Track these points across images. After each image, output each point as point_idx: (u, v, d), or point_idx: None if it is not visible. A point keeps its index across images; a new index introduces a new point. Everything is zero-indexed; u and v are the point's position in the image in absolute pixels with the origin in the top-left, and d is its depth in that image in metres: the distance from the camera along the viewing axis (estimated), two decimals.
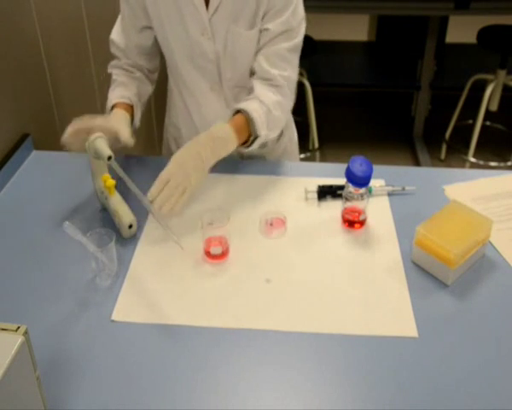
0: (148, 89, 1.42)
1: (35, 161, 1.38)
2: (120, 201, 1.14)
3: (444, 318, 0.97)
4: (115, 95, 1.32)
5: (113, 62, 1.40)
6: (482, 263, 1.08)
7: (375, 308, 0.98)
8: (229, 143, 1.17)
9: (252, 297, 1.01)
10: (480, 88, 2.95)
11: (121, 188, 1.13)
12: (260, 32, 1.25)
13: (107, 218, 1.17)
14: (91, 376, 0.87)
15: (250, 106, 1.21)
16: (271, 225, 1.15)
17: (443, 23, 3.38)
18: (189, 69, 1.32)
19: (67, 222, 0.99)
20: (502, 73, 2.90)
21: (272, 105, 1.23)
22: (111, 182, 1.13)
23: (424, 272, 1.05)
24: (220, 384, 0.86)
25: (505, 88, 2.95)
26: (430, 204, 1.18)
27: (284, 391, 0.85)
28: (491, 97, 2.94)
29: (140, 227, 1.15)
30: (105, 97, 1.58)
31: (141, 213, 1.15)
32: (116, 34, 1.37)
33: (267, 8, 1.22)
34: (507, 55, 2.83)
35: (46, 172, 1.34)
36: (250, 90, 1.28)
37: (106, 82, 1.77)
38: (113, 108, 1.29)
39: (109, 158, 1.07)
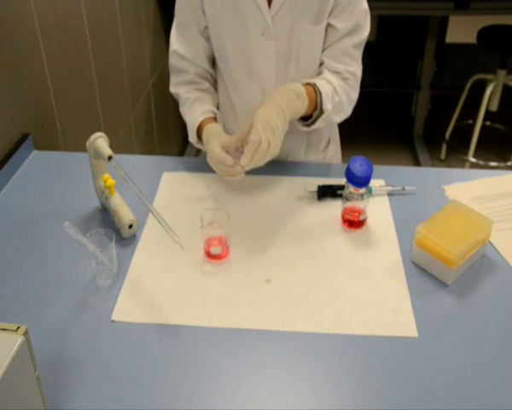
0: (216, 99, 1.38)
1: (35, 161, 1.38)
2: (120, 201, 1.14)
3: (444, 318, 0.97)
4: (198, 112, 1.27)
5: (176, 79, 1.34)
6: (482, 263, 1.08)
7: (375, 308, 0.98)
8: (300, 97, 1.16)
9: (252, 297, 1.01)
10: (480, 88, 2.95)
11: (121, 188, 1.13)
12: (326, 29, 1.24)
13: (107, 218, 1.18)
14: (91, 376, 0.87)
15: (318, 81, 1.23)
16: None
17: (443, 23, 3.38)
18: (242, 72, 1.29)
19: (67, 222, 0.99)
20: (502, 73, 2.90)
21: (338, 86, 1.26)
22: (111, 182, 1.13)
23: (424, 272, 1.05)
24: (220, 384, 0.86)
25: (505, 88, 2.95)
26: (430, 204, 1.18)
27: (284, 391, 0.85)
28: (491, 97, 2.94)
29: (140, 227, 1.15)
30: (104, 97, 1.58)
31: (141, 213, 1.15)
32: (179, 45, 1.30)
33: (334, 4, 1.21)
34: (507, 55, 2.83)
35: (46, 172, 1.34)
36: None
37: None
38: (200, 126, 1.25)
39: (109, 158, 1.07)
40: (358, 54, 1.29)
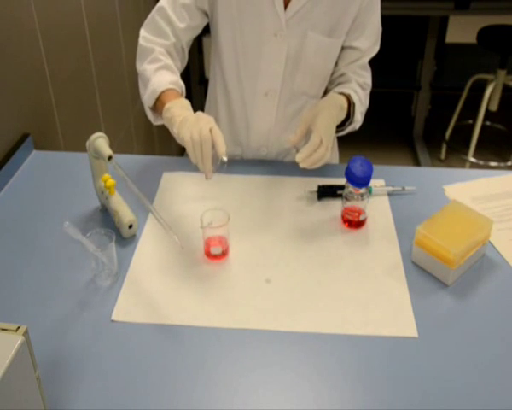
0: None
1: (35, 161, 1.38)
2: (120, 201, 1.14)
3: (444, 318, 0.97)
4: (168, 78, 1.19)
5: (153, 37, 1.25)
6: (482, 263, 1.08)
7: (375, 308, 0.98)
8: (343, 111, 1.24)
9: (252, 297, 1.01)
10: (480, 88, 2.95)
11: (121, 188, 1.13)
12: (348, 50, 1.31)
13: (107, 218, 1.18)
14: (91, 376, 0.87)
15: (352, 92, 1.28)
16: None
17: (443, 23, 3.38)
18: (249, 70, 1.29)
19: (67, 222, 0.99)
20: (502, 73, 2.90)
21: (362, 96, 1.32)
22: (111, 182, 1.13)
23: (424, 272, 1.05)
24: (220, 384, 0.86)
25: (505, 88, 2.95)
26: (430, 204, 1.18)
27: (284, 391, 0.85)
28: (491, 97, 2.94)
29: (140, 227, 1.15)
30: (105, 97, 1.58)
31: (141, 213, 1.15)
32: (171, 8, 1.23)
33: (354, 25, 1.26)
34: (507, 55, 2.83)
35: (46, 172, 1.34)
36: (339, 78, 1.36)
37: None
38: (166, 92, 1.17)
39: (109, 158, 1.07)
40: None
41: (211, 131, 1.04)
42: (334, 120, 1.20)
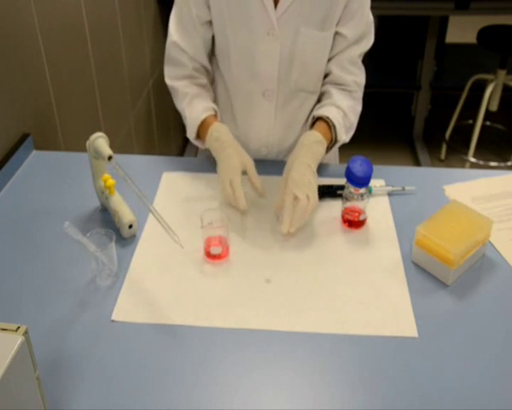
0: (213, 95, 1.37)
1: (35, 161, 1.38)
2: (120, 201, 1.14)
3: (444, 318, 0.97)
4: (199, 109, 1.28)
5: (173, 72, 1.33)
6: (482, 263, 1.08)
7: (375, 308, 0.98)
8: (321, 146, 1.20)
9: (252, 297, 1.01)
10: (480, 88, 2.95)
11: (121, 188, 1.13)
12: (335, 37, 1.27)
13: (107, 218, 1.18)
14: (91, 376, 0.87)
15: (330, 113, 1.25)
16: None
17: (443, 23, 3.38)
18: (244, 71, 1.29)
19: (67, 222, 0.99)
20: (502, 73, 2.91)
21: (348, 109, 1.28)
22: (111, 182, 1.13)
23: (424, 272, 1.05)
24: (220, 384, 0.86)
25: (505, 88, 2.95)
26: (430, 204, 1.18)
27: (284, 391, 0.85)
28: (491, 97, 2.94)
29: (140, 227, 1.15)
30: (104, 97, 1.57)
31: (141, 213, 1.15)
32: (179, 37, 1.29)
33: (343, 13, 1.23)
34: (507, 55, 2.83)
35: (46, 172, 1.34)
36: (322, 96, 1.33)
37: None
38: (202, 123, 1.27)
39: (109, 158, 1.07)
40: (361, 62, 1.34)
41: (231, 184, 1.15)
42: (309, 164, 1.14)
